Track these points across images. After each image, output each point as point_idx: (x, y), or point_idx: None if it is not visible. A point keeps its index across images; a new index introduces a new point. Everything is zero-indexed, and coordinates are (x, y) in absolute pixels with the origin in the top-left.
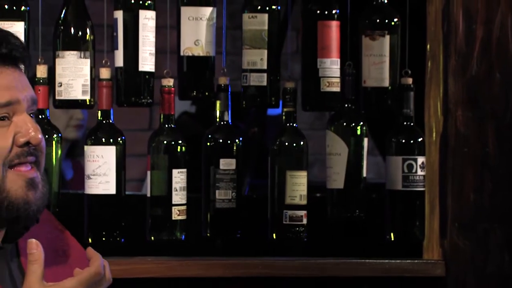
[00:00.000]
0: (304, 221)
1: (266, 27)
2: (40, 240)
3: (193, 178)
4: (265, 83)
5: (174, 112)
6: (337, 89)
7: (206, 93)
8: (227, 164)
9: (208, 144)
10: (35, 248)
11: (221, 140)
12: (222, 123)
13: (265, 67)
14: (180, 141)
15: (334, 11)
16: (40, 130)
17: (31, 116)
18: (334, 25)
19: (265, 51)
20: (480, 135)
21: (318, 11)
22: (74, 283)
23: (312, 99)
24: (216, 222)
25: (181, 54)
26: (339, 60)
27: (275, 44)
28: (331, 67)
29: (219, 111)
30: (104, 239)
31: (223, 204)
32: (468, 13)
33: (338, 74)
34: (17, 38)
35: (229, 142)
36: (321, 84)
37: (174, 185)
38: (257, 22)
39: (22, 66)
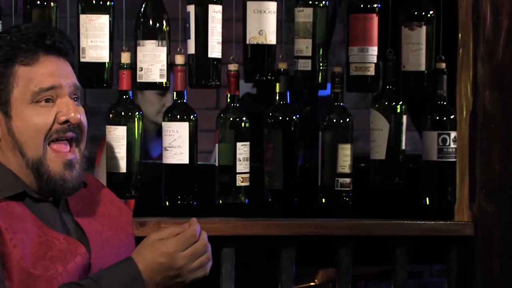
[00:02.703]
0: (351, 187)
1: (311, 20)
2: (87, 201)
3: (255, 150)
4: (309, 68)
5: (238, 93)
6: (363, 73)
7: (268, 77)
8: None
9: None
10: (189, 226)
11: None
12: (281, 102)
13: (310, 54)
14: (244, 118)
15: (370, 5)
16: (83, 111)
17: (74, 100)
18: (363, 18)
19: (310, 41)
20: (505, 113)
21: (354, 5)
22: (174, 242)
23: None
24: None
25: (247, 42)
26: (367, 47)
27: (321, 34)
28: (359, 54)
29: (278, 92)
30: (179, 202)
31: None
32: (495, 6)
33: (365, 60)
34: (60, 31)
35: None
36: (350, 69)
37: (238, 156)
38: (304, 15)
39: (65, 56)
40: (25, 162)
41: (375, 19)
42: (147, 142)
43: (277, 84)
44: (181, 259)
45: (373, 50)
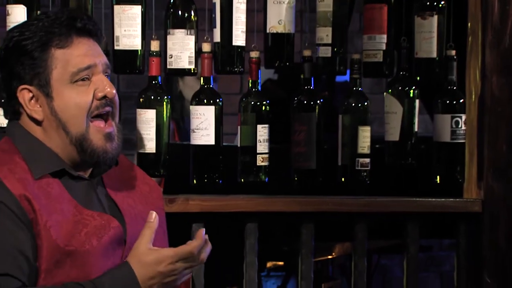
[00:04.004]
0: (369, 167)
1: (331, 9)
2: (120, 178)
3: (275, 132)
4: (329, 55)
5: (260, 78)
6: (371, 59)
7: (287, 63)
8: None
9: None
10: (152, 219)
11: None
12: (306, 87)
13: (330, 41)
14: (264, 102)
15: None
16: (113, 87)
17: (106, 76)
18: (373, 8)
19: (330, 29)
20: None
21: None
22: (172, 253)
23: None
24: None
25: (267, 31)
26: (375, 35)
27: (340, 23)
28: (368, 42)
29: (304, 78)
30: (206, 180)
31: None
32: None
33: (374, 47)
34: (86, 14)
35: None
36: (362, 56)
37: (258, 137)
38: (324, 5)
39: (95, 37)
40: (69, 139)
41: (384, 9)
42: (187, 126)
43: (304, 70)
44: (178, 268)
45: (381, 38)
